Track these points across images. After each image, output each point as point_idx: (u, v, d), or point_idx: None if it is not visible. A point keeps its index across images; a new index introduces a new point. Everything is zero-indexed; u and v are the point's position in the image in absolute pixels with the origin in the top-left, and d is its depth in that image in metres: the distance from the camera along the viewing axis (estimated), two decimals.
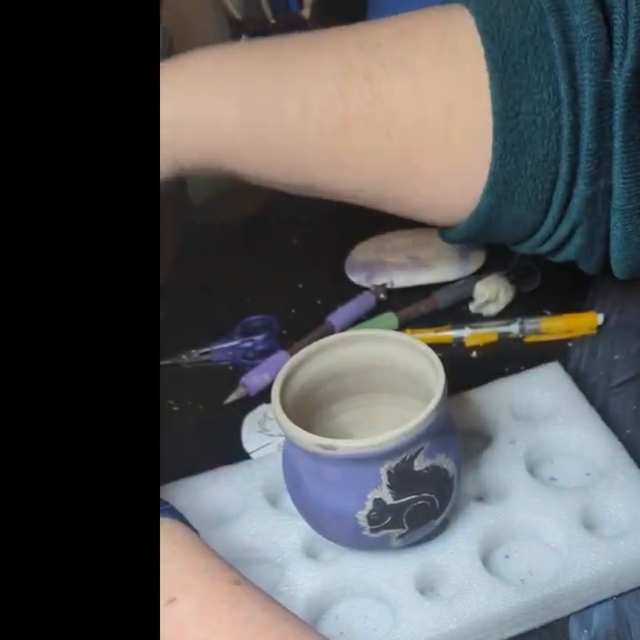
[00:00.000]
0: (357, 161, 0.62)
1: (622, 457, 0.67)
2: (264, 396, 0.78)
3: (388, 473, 0.59)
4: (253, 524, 0.66)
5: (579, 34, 0.60)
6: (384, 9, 0.91)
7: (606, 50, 0.60)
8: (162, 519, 0.53)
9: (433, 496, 0.61)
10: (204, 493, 0.69)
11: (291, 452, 0.62)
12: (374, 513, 0.60)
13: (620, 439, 0.69)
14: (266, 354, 0.81)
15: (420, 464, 0.60)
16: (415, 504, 0.60)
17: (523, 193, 0.62)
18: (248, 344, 0.82)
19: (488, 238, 0.67)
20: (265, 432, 0.76)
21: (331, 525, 0.62)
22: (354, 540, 0.62)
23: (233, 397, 0.78)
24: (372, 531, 0.61)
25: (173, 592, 0.50)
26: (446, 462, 0.61)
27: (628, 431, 0.72)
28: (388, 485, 0.59)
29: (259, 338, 0.82)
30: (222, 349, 0.82)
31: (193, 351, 0.82)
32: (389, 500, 0.60)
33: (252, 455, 0.74)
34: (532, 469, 0.68)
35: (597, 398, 0.74)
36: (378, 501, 0.60)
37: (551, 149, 0.61)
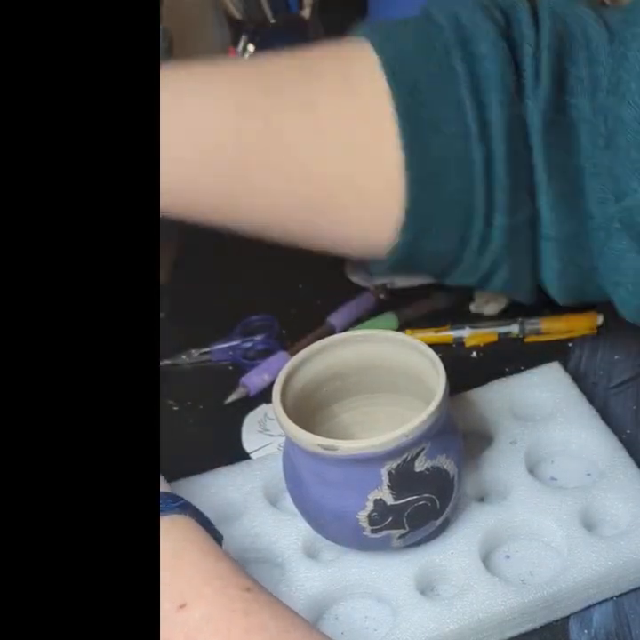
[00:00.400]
0: (259, 203, 0.61)
1: (622, 457, 0.67)
2: (264, 395, 0.78)
3: (389, 473, 0.59)
4: (253, 524, 0.66)
5: (484, 65, 0.59)
6: (384, 9, 0.91)
7: (514, 80, 0.59)
8: (173, 516, 0.53)
9: (434, 496, 0.61)
10: (204, 493, 0.68)
11: (291, 452, 0.62)
12: (375, 513, 0.60)
13: (620, 439, 0.69)
14: (266, 354, 0.81)
15: (420, 464, 0.60)
16: (416, 504, 0.60)
17: (439, 228, 0.61)
18: (248, 344, 0.82)
19: (413, 270, 0.65)
20: (265, 432, 0.76)
21: (331, 526, 0.62)
22: (354, 541, 0.62)
23: (233, 397, 0.78)
24: (373, 531, 0.61)
25: (184, 597, 0.50)
26: (447, 463, 0.61)
27: (628, 431, 0.72)
28: (388, 486, 0.59)
29: (259, 338, 0.82)
30: (222, 349, 0.82)
31: (193, 351, 0.82)
32: (390, 500, 0.60)
33: (252, 455, 0.74)
34: (532, 469, 0.68)
35: (597, 398, 0.74)
36: (379, 502, 0.60)
37: (465, 183, 0.59)
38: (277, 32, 1.00)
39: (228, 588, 0.50)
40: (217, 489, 0.69)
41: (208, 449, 0.74)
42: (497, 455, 0.69)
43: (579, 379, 0.74)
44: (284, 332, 0.83)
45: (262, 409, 0.77)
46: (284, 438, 0.64)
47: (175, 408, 0.79)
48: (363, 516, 0.60)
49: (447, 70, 0.59)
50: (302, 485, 0.62)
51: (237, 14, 1.01)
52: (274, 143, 0.58)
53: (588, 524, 0.64)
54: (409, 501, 0.60)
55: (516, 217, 0.60)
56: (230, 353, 0.81)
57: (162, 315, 0.87)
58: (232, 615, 0.49)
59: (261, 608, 0.50)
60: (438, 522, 0.63)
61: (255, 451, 0.74)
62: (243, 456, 0.74)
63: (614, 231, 0.60)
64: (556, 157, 0.60)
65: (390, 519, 0.60)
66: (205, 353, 0.82)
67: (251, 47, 0.95)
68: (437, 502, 0.61)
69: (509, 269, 0.63)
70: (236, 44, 0.95)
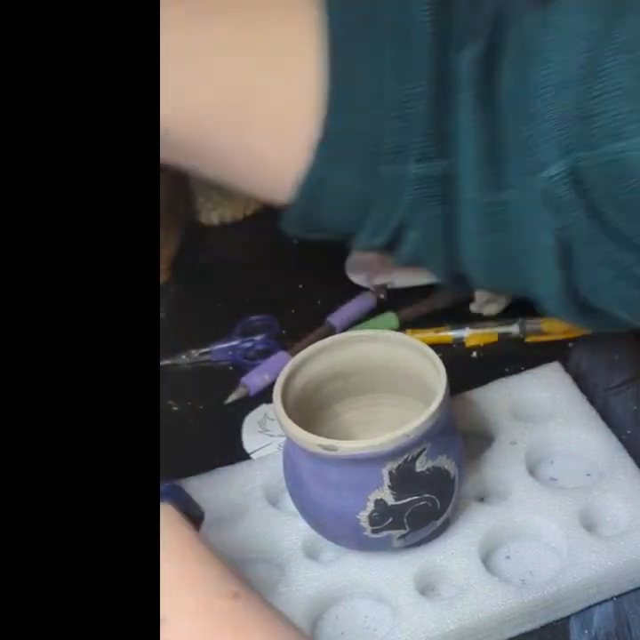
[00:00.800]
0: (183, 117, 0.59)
1: (622, 457, 0.67)
2: (264, 395, 0.78)
3: (390, 474, 0.59)
4: (253, 523, 0.66)
5: (414, 10, 0.56)
6: None
7: (447, 29, 0.56)
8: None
9: (434, 497, 0.61)
10: (204, 493, 0.68)
11: (292, 452, 0.62)
12: (375, 514, 0.60)
13: (620, 439, 0.69)
14: (266, 354, 0.81)
15: (421, 465, 0.60)
16: (416, 505, 0.60)
17: (351, 157, 0.58)
18: (248, 344, 0.82)
19: (319, 223, 0.62)
20: (265, 432, 0.76)
21: (331, 526, 0.62)
22: (355, 541, 0.62)
23: (233, 397, 0.78)
24: (374, 531, 0.61)
25: (165, 610, 0.46)
26: (448, 463, 0.61)
27: (629, 431, 0.72)
28: (389, 486, 0.59)
29: (259, 338, 0.82)
30: (222, 349, 0.82)
31: (193, 351, 0.82)
32: (391, 500, 0.60)
33: (252, 455, 0.74)
34: (532, 470, 0.68)
35: (597, 398, 0.74)
36: (379, 502, 0.60)
37: (379, 118, 0.57)
38: None
39: (213, 600, 0.47)
40: (217, 489, 0.69)
41: (208, 449, 0.74)
42: (497, 455, 0.69)
43: (579, 379, 0.74)
44: (283, 331, 0.83)
45: (262, 409, 0.77)
46: (284, 438, 0.64)
47: (175, 408, 0.79)
48: (363, 516, 0.60)
49: (382, 12, 0.57)
50: (302, 485, 0.62)
51: None
52: (207, 52, 0.58)
53: (588, 525, 0.64)
54: (409, 502, 0.60)
55: (430, 166, 0.57)
56: (230, 353, 0.81)
57: (162, 315, 0.87)
58: (220, 627, 0.46)
59: (249, 617, 0.47)
60: (439, 522, 0.63)
61: (255, 451, 0.74)
62: (243, 456, 0.74)
63: (534, 206, 0.57)
64: (484, 117, 0.57)
65: (391, 519, 0.60)
66: (205, 353, 0.82)
67: None
68: (438, 502, 0.61)
69: (420, 229, 0.59)
70: None
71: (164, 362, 0.81)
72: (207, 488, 0.69)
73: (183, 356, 0.82)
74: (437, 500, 0.61)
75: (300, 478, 0.62)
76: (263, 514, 0.67)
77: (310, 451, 0.59)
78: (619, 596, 0.63)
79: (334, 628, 0.63)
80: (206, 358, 0.82)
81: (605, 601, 0.63)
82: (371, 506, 0.60)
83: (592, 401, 0.72)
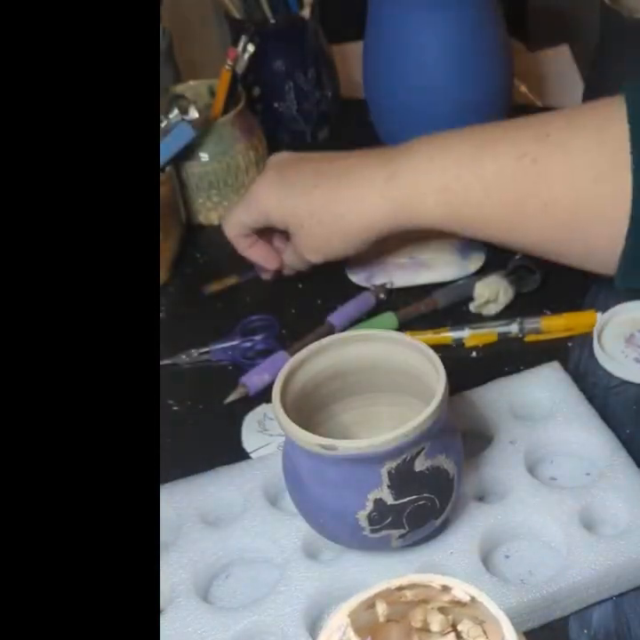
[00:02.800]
0: (525, 227, 0.75)
1: (622, 457, 0.67)
2: (264, 395, 0.78)
3: (389, 473, 0.59)
4: (253, 524, 0.67)
5: None
6: (383, 9, 0.91)
7: None
8: None
9: (433, 496, 0.61)
10: (204, 493, 0.69)
11: (291, 451, 0.62)
12: (375, 513, 0.60)
13: (620, 439, 0.69)
14: (266, 354, 0.81)
15: (420, 464, 0.60)
16: (416, 504, 0.60)
17: None
18: (248, 344, 0.82)
19: None
20: (265, 432, 0.76)
21: (331, 525, 0.62)
22: (354, 540, 0.62)
23: (233, 397, 0.78)
24: (373, 531, 0.61)
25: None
26: (447, 462, 0.61)
27: (628, 431, 0.72)
28: (388, 486, 0.59)
29: (258, 338, 0.82)
30: (222, 349, 0.82)
31: (193, 351, 0.82)
32: (390, 500, 0.60)
33: (251, 455, 0.74)
34: (531, 469, 0.68)
35: (597, 398, 0.74)
36: (378, 502, 0.60)
37: None
38: (277, 32, 1.00)
39: None
40: (217, 489, 0.69)
41: (208, 449, 0.75)
42: (496, 455, 0.69)
43: (579, 378, 0.75)
44: (283, 331, 0.83)
45: (262, 409, 0.77)
46: (283, 438, 0.64)
47: (175, 408, 0.79)
48: (362, 515, 0.60)
49: None
50: (302, 485, 0.62)
51: (237, 14, 1.01)
52: (540, 182, 0.73)
53: (588, 524, 0.64)
54: (409, 501, 0.60)
55: None
56: (230, 353, 0.81)
57: (162, 315, 0.87)
58: None
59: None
60: (438, 522, 0.63)
61: (255, 450, 0.74)
62: (243, 456, 0.74)
63: None
64: None
65: (390, 519, 0.60)
66: (205, 353, 0.82)
67: (251, 47, 0.95)
68: (437, 502, 0.61)
69: None
70: (235, 43, 0.95)
71: (164, 362, 0.81)
72: (207, 488, 0.69)
73: (183, 356, 0.82)
74: (436, 500, 0.61)
75: (299, 478, 0.62)
76: (263, 513, 0.67)
77: (309, 450, 0.59)
78: (618, 596, 0.63)
79: None
80: (206, 358, 0.82)
81: (605, 600, 0.63)
82: (370, 505, 0.60)
83: (592, 400, 0.72)
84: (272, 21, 1.00)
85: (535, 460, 0.69)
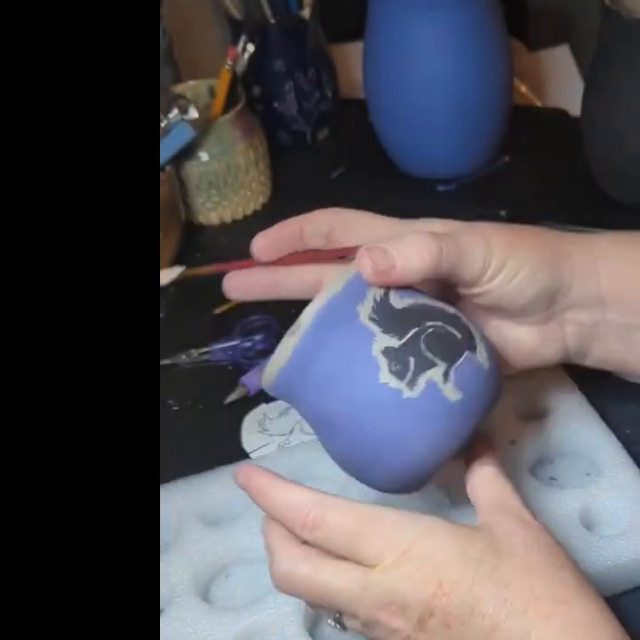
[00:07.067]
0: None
1: (622, 457, 0.67)
2: (264, 395, 0.78)
3: (371, 320, 0.54)
4: (253, 523, 0.66)
5: None
6: (383, 9, 0.91)
7: None
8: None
9: (442, 323, 0.55)
10: (203, 493, 0.69)
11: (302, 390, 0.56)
12: (393, 364, 0.53)
13: (620, 439, 0.69)
14: (265, 354, 0.81)
15: (397, 303, 0.55)
16: (426, 333, 0.54)
17: None
18: (248, 344, 0.82)
19: None
20: (265, 432, 0.76)
21: (370, 420, 0.53)
22: (402, 414, 0.53)
23: (233, 397, 0.78)
24: (409, 385, 0.53)
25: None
26: (431, 301, 0.56)
27: (628, 431, 0.72)
28: (381, 332, 0.54)
29: (258, 338, 0.82)
30: (222, 349, 0.82)
31: (193, 351, 0.82)
32: (395, 342, 0.53)
33: (251, 455, 0.74)
34: (531, 469, 0.68)
35: (597, 398, 0.74)
36: (387, 351, 0.53)
37: None
38: (277, 32, 1.00)
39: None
40: (217, 489, 0.69)
41: (208, 449, 0.75)
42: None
43: (579, 378, 0.74)
44: (283, 331, 0.83)
45: (262, 409, 0.77)
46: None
47: (175, 408, 0.79)
48: (384, 373, 0.53)
49: None
50: (325, 405, 0.55)
51: (237, 14, 1.01)
52: None
53: (588, 524, 0.64)
54: (415, 333, 0.54)
55: None
56: (230, 353, 0.81)
57: (162, 315, 0.87)
58: None
59: None
60: (476, 354, 0.55)
61: (254, 450, 0.74)
62: (242, 456, 0.74)
63: None
64: None
65: (412, 360, 0.53)
66: (205, 353, 0.82)
67: (250, 47, 0.95)
68: (451, 328, 0.55)
69: None
70: (235, 43, 0.95)
71: (164, 362, 0.81)
72: (207, 488, 0.69)
73: (183, 356, 0.82)
74: (449, 326, 0.55)
75: (320, 406, 0.55)
76: (263, 513, 0.67)
77: (289, 360, 0.56)
78: (619, 596, 0.63)
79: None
80: (206, 358, 0.82)
81: (605, 600, 0.63)
82: (382, 359, 0.53)
83: (592, 400, 0.72)
84: (272, 21, 1.00)
85: (535, 460, 0.69)
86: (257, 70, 0.99)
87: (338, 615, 0.54)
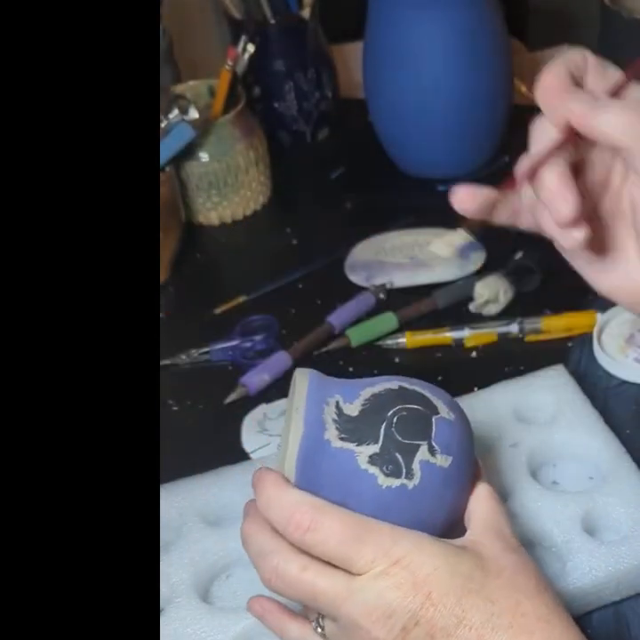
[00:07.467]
0: None
1: (625, 461, 0.67)
2: (264, 395, 0.78)
3: (343, 439, 0.55)
4: None
5: None
6: (383, 9, 0.91)
7: None
8: None
9: (398, 406, 0.55)
10: (204, 493, 0.69)
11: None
12: (384, 467, 0.54)
13: (620, 439, 0.69)
14: (266, 354, 0.81)
15: (351, 410, 0.55)
16: (394, 423, 0.55)
17: None
18: (248, 344, 0.82)
19: None
20: (265, 432, 0.76)
21: (393, 518, 0.54)
22: (417, 500, 0.55)
23: (233, 397, 0.78)
24: (408, 477, 0.54)
25: None
26: (367, 389, 0.56)
27: (628, 431, 0.72)
28: (356, 445, 0.54)
29: (258, 338, 0.82)
30: (222, 349, 0.82)
31: (193, 351, 0.82)
32: (375, 448, 0.54)
33: (251, 455, 0.74)
34: (534, 473, 0.68)
35: (597, 398, 0.74)
36: (373, 459, 0.54)
37: None
38: (277, 32, 1.00)
39: None
40: (217, 489, 0.69)
41: (208, 449, 0.75)
42: (498, 458, 0.68)
43: (578, 379, 0.74)
44: (283, 331, 0.83)
45: (262, 409, 0.77)
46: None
47: (175, 408, 0.79)
48: (382, 479, 0.54)
49: None
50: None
51: (237, 14, 1.01)
52: None
53: (590, 529, 0.64)
54: (385, 429, 0.55)
55: None
56: (230, 353, 0.81)
57: (162, 315, 0.87)
58: None
59: None
60: (439, 413, 0.56)
61: (255, 450, 0.74)
62: (242, 456, 0.74)
63: None
64: None
65: (398, 455, 0.55)
66: (205, 353, 0.82)
67: (251, 47, 0.95)
68: (409, 405, 0.56)
69: None
70: (236, 44, 0.95)
71: (164, 362, 0.81)
72: (207, 488, 0.69)
73: (183, 356, 0.82)
74: (406, 405, 0.56)
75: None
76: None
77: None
78: (619, 602, 0.63)
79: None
80: (206, 358, 0.82)
81: (604, 607, 0.63)
82: (373, 468, 0.54)
83: (592, 401, 0.72)
84: (272, 21, 1.00)
85: (537, 464, 0.69)
86: (257, 70, 0.99)
87: (320, 617, 0.54)
